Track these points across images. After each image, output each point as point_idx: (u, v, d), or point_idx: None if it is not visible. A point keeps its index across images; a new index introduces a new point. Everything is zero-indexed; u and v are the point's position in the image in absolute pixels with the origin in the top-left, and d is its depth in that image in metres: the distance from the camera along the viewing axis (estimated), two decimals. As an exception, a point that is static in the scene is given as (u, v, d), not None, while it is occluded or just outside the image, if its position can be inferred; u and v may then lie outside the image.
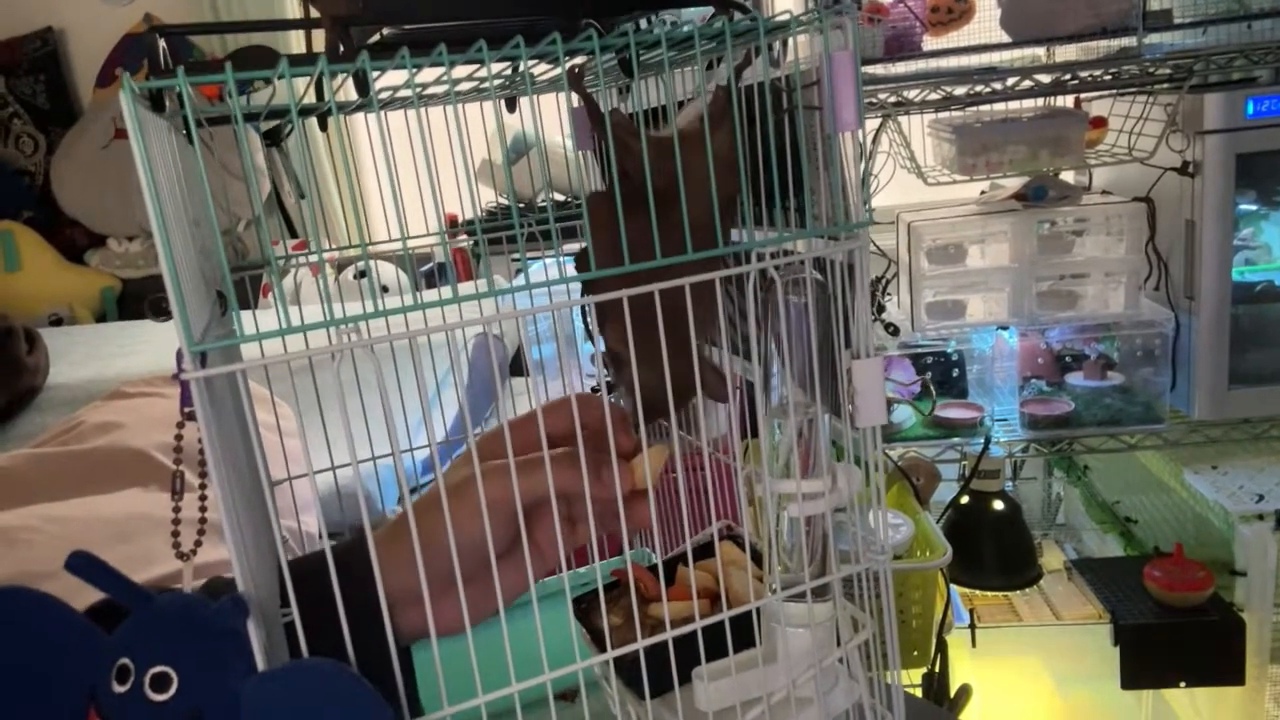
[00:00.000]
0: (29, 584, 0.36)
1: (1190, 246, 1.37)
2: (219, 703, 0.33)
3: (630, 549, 0.54)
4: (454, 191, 0.48)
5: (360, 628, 0.36)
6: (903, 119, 1.45)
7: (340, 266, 2.37)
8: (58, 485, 1.04)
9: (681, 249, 0.41)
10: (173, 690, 0.33)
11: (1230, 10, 1.34)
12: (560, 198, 2.51)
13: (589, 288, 0.44)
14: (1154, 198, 1.45)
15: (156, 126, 0.38)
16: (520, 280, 0.45)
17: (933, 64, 1.39)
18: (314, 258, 0.69)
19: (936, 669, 1.32)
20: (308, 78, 0.42)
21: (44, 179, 3.07)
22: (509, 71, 0.53)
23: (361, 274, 2.20)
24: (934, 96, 1.37)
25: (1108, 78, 1.36)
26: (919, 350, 1.60)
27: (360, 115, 0.52)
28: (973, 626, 1.47)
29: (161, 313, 0.34)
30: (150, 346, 2.12)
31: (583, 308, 0.42)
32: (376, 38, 0.49)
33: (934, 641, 1.31)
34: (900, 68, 1.40)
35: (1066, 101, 1.54)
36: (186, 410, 0.32)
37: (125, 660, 0.34)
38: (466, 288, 2.15)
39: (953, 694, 1.34)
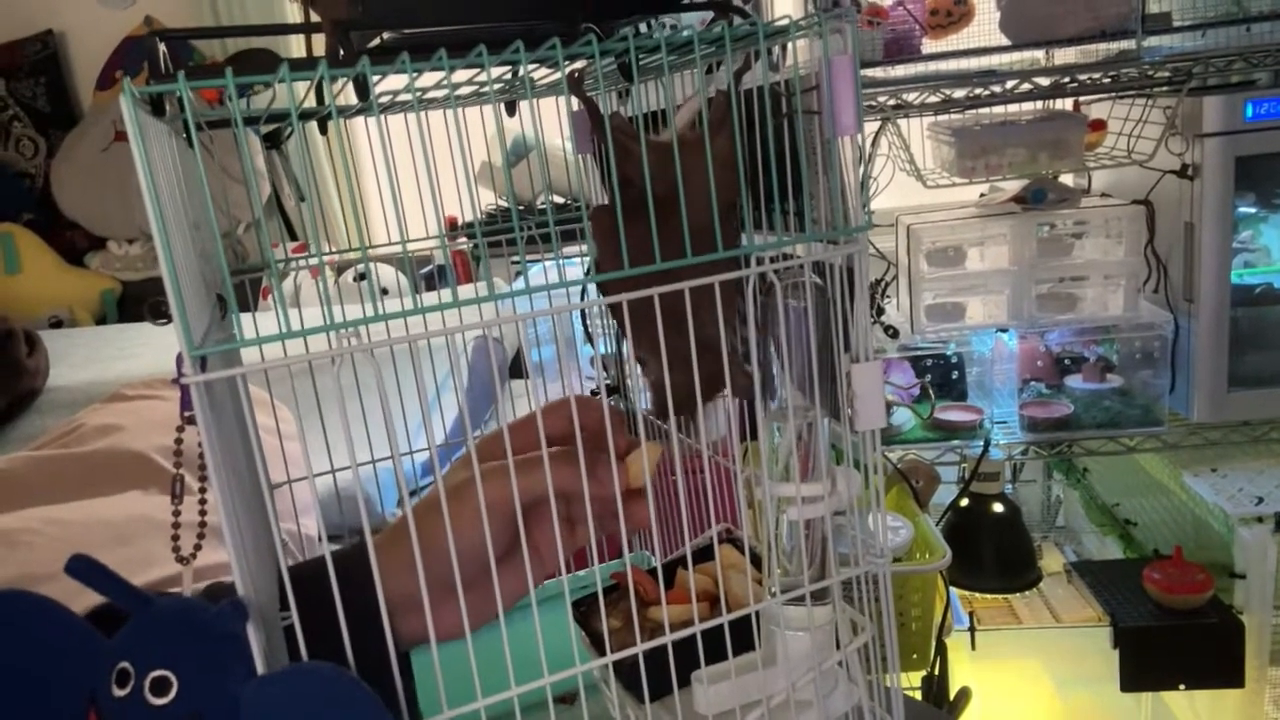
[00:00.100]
0: (28, 587, 0.36)
1: (1189, 249, 1.37)
2: (219, 706, 0.33)
3: (629, 552, 0.54)
4: (454, 194, 0.48)
5: (360, 633, 0.36)
6: (902, 122, 1.45)
7: (340, 269, 2.37)
8: (57, 488, 1.04)
9: (683, 251, 0.41)
10: (173, 694, 0.33)
11: (1229, 13, 1.34)
12: (560, 200, 2.51)
13: (602, 292, 0.44)
14: (1153, 200, 1.45)
15: (157, 130, 0.38)
16: (520, 283, 0.45)
17: (932, 67, 1.39)
18: (314, 260, 0.69)
19: (936, 672, 1.32)
20: (308, 82, 0.42)
21: (44, 181, 3.07)
22: (509, 75, 0.53)
23: (361, 276, 2.20)
24: (933, 99, 1.37)
25: (1107, 81, 1.36)
26: (918, 353, 1.60)
27: (360, 118, 0.52)
28: (972, 629, 1.47)
29: (161, 316, 0.34)
30: (150, 349, 2.12)
31: (583, 311, 0.42)
32: (377, 42, 0.49)
33: (933, 644, 1.31)
34: (899, 70, 1.40)
35: (1066, 104, 1.54)
36: (186, 414, 0.33)
37: (125, 664, 0.34)
38: (466, 290, 2.15)
39: (952, 697, 1.34)
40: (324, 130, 0.57)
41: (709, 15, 0.52)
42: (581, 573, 0.70)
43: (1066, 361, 1.60)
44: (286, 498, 0.67)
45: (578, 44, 0.40)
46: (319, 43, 0.47)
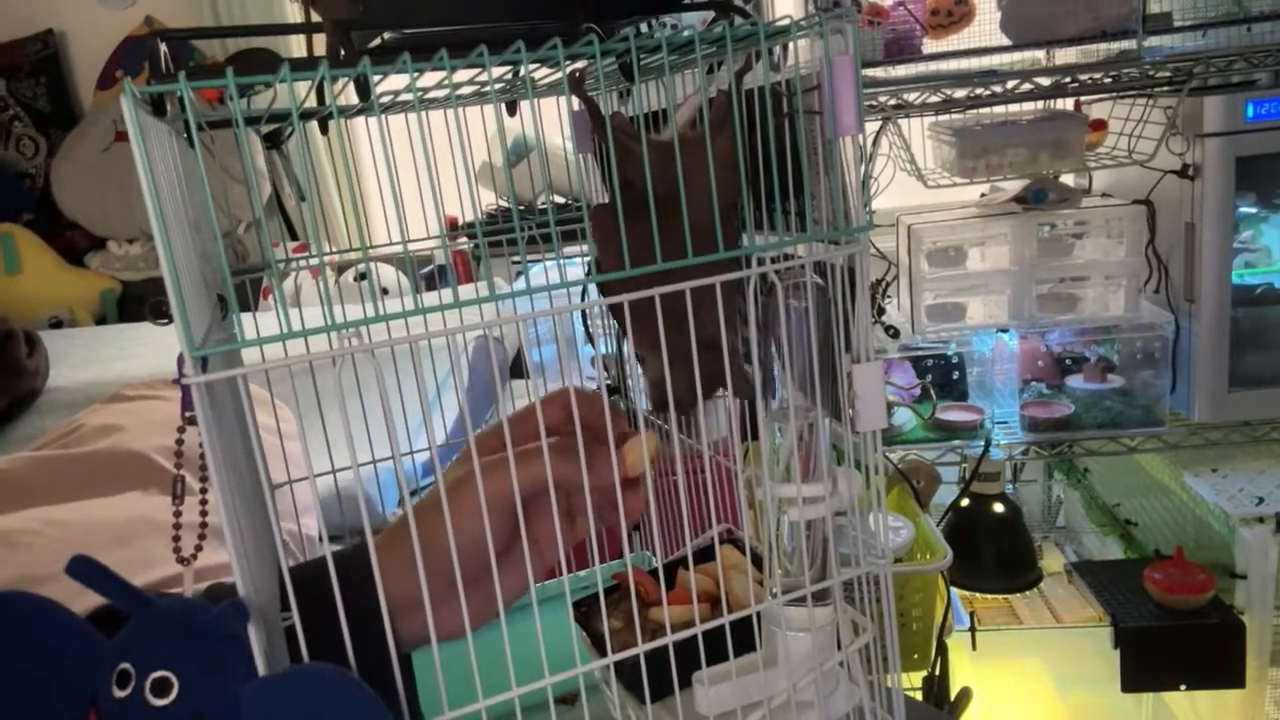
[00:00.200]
0: (29, 587, 0.36)
1: (1190, 249, 1.37)
2: (220, 707, 0.33)
3: (630, 552, 0.54)
4: (454, 194, 0.48)
5: (361, 633, 0.36)
6: (903, 122, 1.45)
7: (341, 269, 2.37)
8: (58, 488, 1.04)
9: (683, 251, 0.41)
10: (173, 695, 0.33)
11: (1230, 13, 1.34)
12: (560, 200, 2.51)
13: (604, 292, 0.44)
14: (1154, 200, 1.45)
15: (157, 130, 0.38)
16: (521, 283, 0.45)
17: (933, 67, 1.39)
18: (314, 260, 0.69)
19: (937, 672, 1.32)
20: (309, 82, 0.42)
21: (44, 181, 3.07)
22: (510, 75, 0.53)
23: (362, 276, 2.20)
24: (934, 99, 1.37)
25: (1108, 81, 1.36)
26: (919, 353, 1.60)
27: (361, 118, 0.52)
28: (973, 629, 1.47)
29: (162, 316, 0.34)
30: (150, 349, 2.12)
31: (583, 311, 0.42)
32: (377, 42, 0.49)
33: (934, 644, 1.31)
34: (900, 70, 1.40)
35: (1066, 104, 1.54)
36: (187, 414, 0.33)
37: (126, 665, 0.34)
38: (467, 290, 2.15)
39: (953, 697, 1.34)
40: (325, 130, 0.57)
41: (710, 15, 0.52)
42: (582, 573, 0.70)
43: (1067, 362, 1.60)
44: (287, 498, 0.67)
45: (579, 44, 0.40)
46: (320, 43, 0.47)
